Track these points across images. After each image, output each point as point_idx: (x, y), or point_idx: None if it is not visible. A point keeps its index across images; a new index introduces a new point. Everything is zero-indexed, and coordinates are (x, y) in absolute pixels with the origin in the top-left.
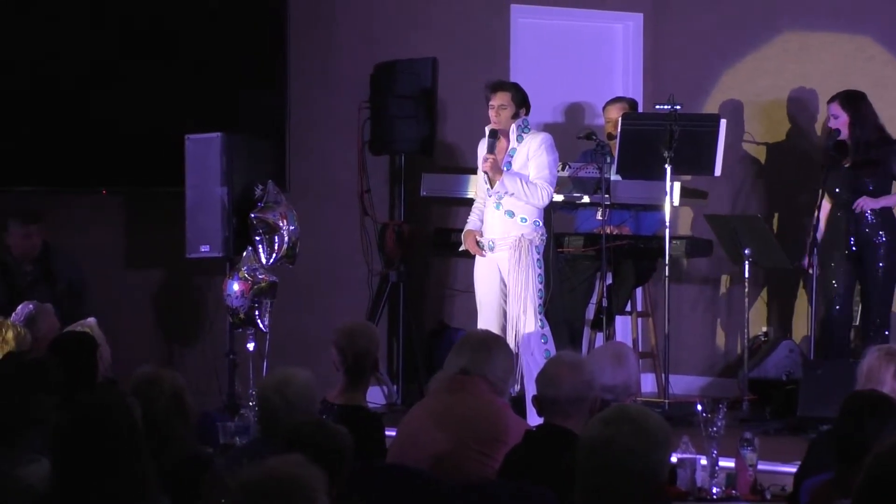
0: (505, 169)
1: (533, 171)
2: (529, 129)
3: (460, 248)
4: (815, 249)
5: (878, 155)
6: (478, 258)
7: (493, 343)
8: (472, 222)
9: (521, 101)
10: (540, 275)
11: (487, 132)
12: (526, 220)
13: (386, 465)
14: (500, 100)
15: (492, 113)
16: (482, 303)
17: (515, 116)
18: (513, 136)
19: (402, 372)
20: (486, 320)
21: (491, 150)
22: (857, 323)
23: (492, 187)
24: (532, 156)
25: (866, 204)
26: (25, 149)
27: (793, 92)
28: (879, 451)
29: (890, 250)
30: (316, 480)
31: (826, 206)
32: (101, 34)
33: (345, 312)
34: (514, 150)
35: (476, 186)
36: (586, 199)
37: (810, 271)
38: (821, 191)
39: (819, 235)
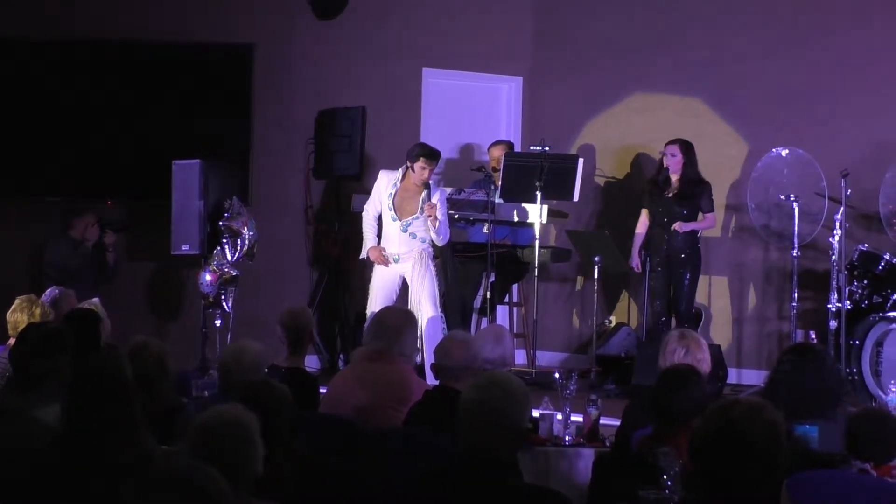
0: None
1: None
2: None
3: (361, 256)
4: (642, 257)
5: (695, 191)
6: (378, 265)
7: (405, 326)
8: (371, 240)
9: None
10: (435, 275)
11: (422, 184)
12: (425, 241)
13: (319, 414)
14: (434, 167)
15: (424, 172)
16: (377, 288)
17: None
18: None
19: (334, 344)
20: (378, 302)
21: (429, 198)
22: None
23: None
24: (438, 206)
25: (682, 227)
26: (52, 169)
27: (635, 140)
28: (706, 416)
29: (693, 261)
30: (251, 422)
31: (644, 222)
32: (112, 87)
33: (292, 299)
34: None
35: (368, 210)
36: (476, 216)
37: (636, 271)
38: (643, 211)
39: (637, 247)
